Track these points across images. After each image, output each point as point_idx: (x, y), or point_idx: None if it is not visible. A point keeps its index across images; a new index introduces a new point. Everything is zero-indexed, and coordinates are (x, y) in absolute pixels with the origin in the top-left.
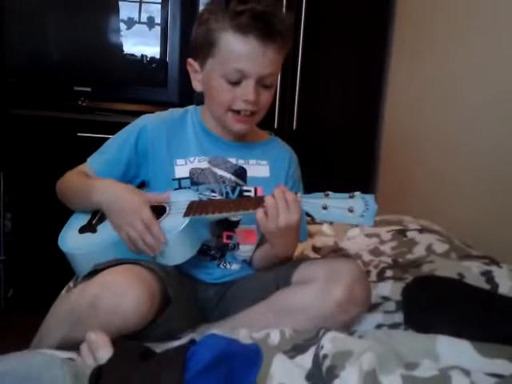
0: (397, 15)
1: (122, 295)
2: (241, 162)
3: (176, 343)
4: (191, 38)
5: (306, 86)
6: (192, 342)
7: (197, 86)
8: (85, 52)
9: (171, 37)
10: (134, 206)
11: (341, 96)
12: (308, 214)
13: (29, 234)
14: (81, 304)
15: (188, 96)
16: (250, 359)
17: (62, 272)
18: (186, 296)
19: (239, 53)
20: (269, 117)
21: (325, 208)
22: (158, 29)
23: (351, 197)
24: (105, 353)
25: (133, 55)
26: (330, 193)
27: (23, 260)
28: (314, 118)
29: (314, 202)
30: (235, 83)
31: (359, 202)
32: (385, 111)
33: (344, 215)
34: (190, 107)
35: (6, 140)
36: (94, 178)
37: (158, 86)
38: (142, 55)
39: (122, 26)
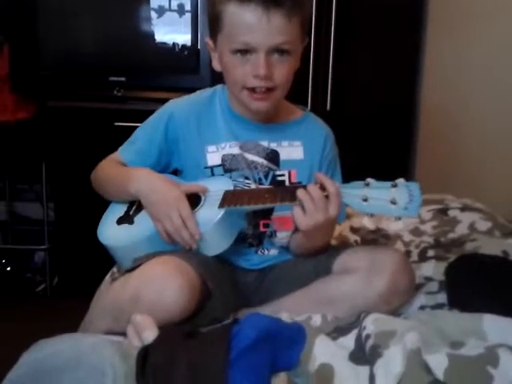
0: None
1: (163, 288)
2: (273, 145)
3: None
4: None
5: (340, 64)
6: (235, 321)
7: (216, 65)
8: (117, 42)
9: (202, 23)
10: (172, 199)
11: (376, 75)
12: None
13: (71, 223)
14: (123, 297)
15: (221, 81)
16: (293, 338)
17: (104, 258)
18: (225, 284)
19: (242, 24)
20: (301, 97)
21: (365, 200)
22: (188, 16)
23: (394, 186)
24: (150, 334)
25: (164, 43)
26: (370, 181)
27: (67, 248)
28: (348, 98)
29: (353, 194)
30: (245, 58)
31: (403, 192)
32: (422, 89)
33: (386, 207)
34: (218, 87)
35: (45, 132)
36: (130, 168)
37: (191, 73)
38: (174, 43)
39: (153, 15)
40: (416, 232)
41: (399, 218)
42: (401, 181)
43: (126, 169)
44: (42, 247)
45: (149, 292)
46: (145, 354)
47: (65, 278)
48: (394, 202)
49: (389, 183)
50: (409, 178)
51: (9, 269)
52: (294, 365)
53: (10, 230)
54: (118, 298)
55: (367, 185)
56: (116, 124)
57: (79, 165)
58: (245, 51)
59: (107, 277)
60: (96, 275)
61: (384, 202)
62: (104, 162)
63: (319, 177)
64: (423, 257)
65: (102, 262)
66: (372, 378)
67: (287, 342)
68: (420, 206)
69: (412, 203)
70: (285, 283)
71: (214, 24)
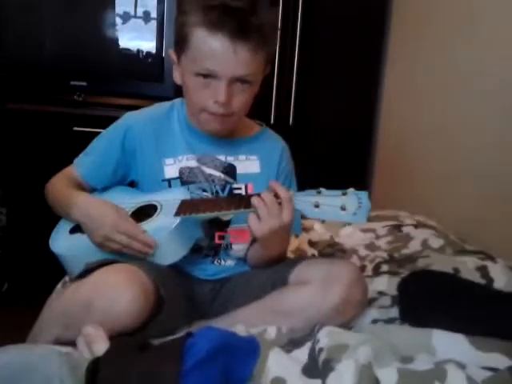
0: (393, 12)
1: (116, 296)
2: (230, 159)
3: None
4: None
5: (303, 80)
6: (189, 334)
7: (176, 78)
8: (81, 46)
9: (167, 31)
10: (109, 223)
11: (337, 91)
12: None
13: (23, 229)
14: (74, 305)
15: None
16: (247, 351)
17: (56, 266)
18: (180, 294)
19: (209, 51)
20: (265, 111)
21: (317, 206)
22: (153, 23)
23: (344, 194)
24: (101, 346)
25: (129, 50)
26: (322, 190)
27: (17, 254)
28: (310, 114)
29: (305, 200)
30: (207, 83)
31: (352, 200)
32: (381, 106)
33: (336, 213)
34: (177, 101)
35: (1, 135)
36: (73, 193)
37: (154, 81)
38: (138, 50)
39: (118, 21)
40: (371, 247)
41: (349, 224)
42: (351, 189)
43: (68, 193)
44: None
45: (101, 300)
46: (95, 366)
47: (15, 285)
48: (343, 208)
49: (339, 191)
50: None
51: None
52: (247, 378)
53: None
54: (69, 304)
55: (319, 193)
56: (75, 129)
57: (34, 169)
58: (207, 75)
59: (59, 285)
60: (47, 283)
61: (334, 209)
62: (56, 178)
63: (273, 185)
64: (377, 271)
65: (54, 269)
66: None
67: (241, 356)
68: (368, 212)
69: (360, 209)
70: (241, 294)
71: (180, 43)
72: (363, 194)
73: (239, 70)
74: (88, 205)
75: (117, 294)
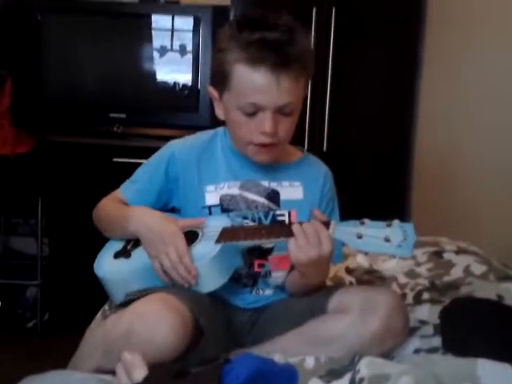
0: (427, 26)
1: (155, 327)
2: (273, 185)
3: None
4: (211, 66)
5: (337, 106)
6: (227, 360)
7: (219, 114)
8: (119, 79)
9: (202, 63)
10: (168, 235)
11: (372, 116)
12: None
13: (65, 259)
14: (114, 335)
15: (220, 121)
16: (285, 379)
17: (97, 296)
18: (219, 323)
19: (252, 86)
20: (298, 138)
21: (360, 237)
22: (189, 56)
23: (388, 225)
24: (140, 373)
25: (165, 82)
26: (365, 220)
27: (59, 284)
28: (344, 139)
29: (348, 231)
30: (252, 115)
31: (397, 231)
32: (418, 130)
33: (380, 245)
34: (220, 129)
35: (43, 166)
36: (129, 206)
37: (191, 112)
38: (175, 82)
39: (155, 54)
40: (411, 274)
41: (393, 257)
42: (395, 221)
43: (124, 208)
44: (35, 283)
45: (141, 329)
46: None
47: (56, 315)
48: (388, 240)
49: (383, 223)
50: (404, 219)
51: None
52: None
53: (3, 265)
54: (110, 334)
55: (362, 223)
56: (114, 160)
57: (76, 200)
58: (252, 109)
59: (98, 314)
60: (88, 312)
61: (378, 240)
62: (105, 200)
63: (315, 213)
64: (418, 299)
65: (95, 299)
66: None
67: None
68: (413, 245)
69: (406, 242)
70: (279, 322)
71: (221, 80)
72: (408, 226)
73: (283, 100)
74: (148, 216)
75: (157, 324)
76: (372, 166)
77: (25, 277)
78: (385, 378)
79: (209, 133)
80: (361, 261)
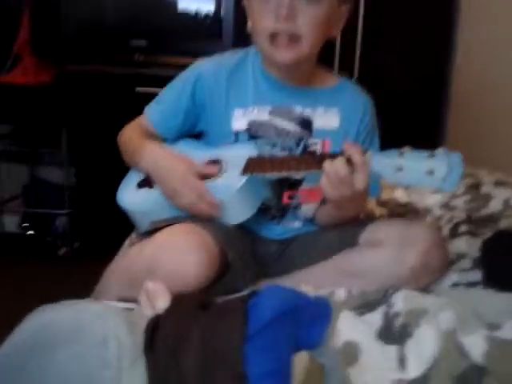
0: None
1: (180, 258)
2: (307, 111)
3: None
4: None
5: (369, 31)
6: (253, 292)
7: (249, 25)
8: (139, 6)
9: None
10: (179, 174)
11: (407, 41)
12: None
13: (92, 188)
14: (138, 265)
15: (243, 46)
16: (318, 313)
17: (126, 222)
18: (245, 255)
19: None
20: (327, 63)
21: (400, 169)
22: None
23: (432, 156)
24: (163, 302)
25: (188, 9)
26: (405, 151)
27: (88, 213)
28: (376, 66)
29: (386, 163)
30: (269, 3)
31: (441, 163)
32: (456, 59)
33: (422, 178)
34: (252, 48)
35: (66, 96)
36: (144, 142)
37: (214, 39)
38: (197, 8)
39: None
40: (447, 207)
41: (436, 191)
42: (440, 151)
43: (139, 143)
44: (63, 212)
45: (166, 262)
46: (155, 324)
47: (86, 243)
48: (431, 173)
49: (426, 153)
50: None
51: (30, 233)
52: (317, 344)
53: (31, 194)
54: (133, 264)
55: (402, 154)
56: (137, 89)
57: (99, 130)
58: None
59: (126, 242)
60: (118, 240)
61: (420, 173)
62: (127, 128)
63: (347, 148)
64: (455, 232)
65: (124, 226)
66: (402, 359)
67: (311, 318)
68: (461, 178)
69: (451, 175)
70: (307, 254)
71: None
72: (455, 157)
73: None
74: (158, 156)
75: (182, 256)
76: (406, 95)
77: (53, 206)
78: (422, 313)
79: (239, 52)
80: (400, 195)
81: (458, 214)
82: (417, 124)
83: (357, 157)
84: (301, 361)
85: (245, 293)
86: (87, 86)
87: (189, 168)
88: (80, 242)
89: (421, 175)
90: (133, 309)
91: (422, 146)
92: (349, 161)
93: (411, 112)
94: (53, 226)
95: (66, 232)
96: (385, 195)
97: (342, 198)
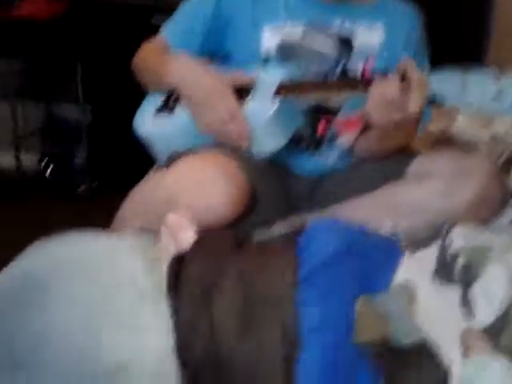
0: None
1: (206, 191)
2: (346, 26)
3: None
4: None
5: None
6: (298, 231)
7: None
8: None
9: None
10: (214, 91)
11: None
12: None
13: (109, 124)
14: (157, 197)
15: None
16: (385, 254)
17: (145, 159)
18: (276, 190)
19: None
20: None
21: (464, 87)
22: None
23: (499, 78)
24: (189, 237)
25: None
26: (468, 68)
27: (105, 150)
28: None
29: (450, 79)
30: None
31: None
32: None
33: (487, 103)
34: None
35: (79, 29)
36: (168, 57)
37: None
38: None
39: None
40: (495, 140)
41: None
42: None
43: (163, 58)
44: (81, 149)
45: (188, 193)
46: (180, 262)
47: (105, 181)
48: (498, 95)
49: (492, 70)
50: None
51: (50, 171)
52: (384, 288)
53: (48, 132)
54: (153, 195)
55: (464, 72)
56: (153, 21)
57: (115, 64)
58: None
59: (151, 173)
60: (137, 177)
61: (483, 94)
62: (144, 48)
63: (403, 63)
64: (507, 168)
65: (143, 162)
66: (467, 302)
67: (379, 259)
68: None
69: None
70: (344, 191)
71: None
72: None
73: None
74: (191, 67)
75: (206, 188)
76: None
77: (70, 144)
78: (486, 251)
79: None
80: (461, 123)
81: (510, 147)
82: (460, 29)
83: (413, 73)
84: (363, 308)
85: (283, 231)
86: (100, 17)
87: (226, 84)
88: (99, 180)
89: (484, 97)
90: (153, 244)
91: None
92: (402, 79)
93: (454, 17)
94: (71, 164)
95: (84, 170)
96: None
97: (390, 124)
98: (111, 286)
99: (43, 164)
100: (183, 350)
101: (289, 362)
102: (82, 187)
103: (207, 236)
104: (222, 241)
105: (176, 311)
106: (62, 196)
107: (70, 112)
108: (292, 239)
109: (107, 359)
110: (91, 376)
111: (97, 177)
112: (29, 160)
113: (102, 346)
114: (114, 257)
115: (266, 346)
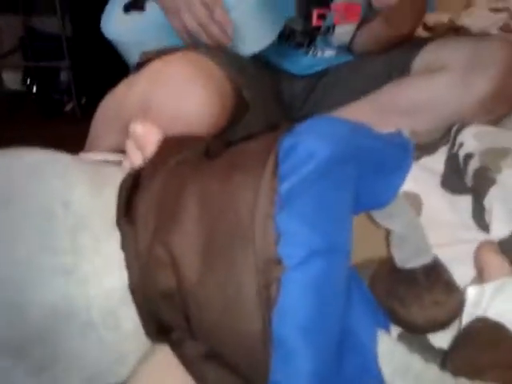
0: None
1: (183, 92)
2: None
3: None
4: None
5: None
6: (285, 130)
7: None
8: None
9: None
10: None
11: None
12: None
13: (91, 36)
14: (128, 105)
15: None
16: (393, 158)
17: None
18: (266, 94)
19: None
20: None
21: None
22: None
23: None
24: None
25: None
26: None
27: (89, 63)
28: None
29: None
30: None
31: None
32: None
33: None
34: None
35: None
36: None
37: None
38: None
39: None
40: (506, 29)
41: None
42: None
43: None
44: (64, 63)
45: (160, 99)
46: (134, 182)
47: (93, 98)
48: None
49: None
50: None
51: (35, 90)
52: (389, 200)
53: (29, 47)
54: (123, 103)
55: None
56: None
57: None
58: None
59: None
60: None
61: None
62: None
63: None
64: None
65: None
66: (480, 213)
67: (388, 165)
68: None
69: None
70: (344, 90)
71: None
72: None
73: None
74: None
75: (183, 89)
76: None
77: (52, 59)
78: (503, 153)
79: None
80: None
81: None
82: None
83: None
84: (361, 225)
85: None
86: None
87: None
88: (87, 96)
89: None
90: (119, 161)
91: None
92: None
93: None
94: (56, 82)
95: (70, 86)
96: (430, 19)
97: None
98: (36, 216)
99: (28, 82)
100: (140, 286)
101: (267, 289)
102: (70, 104)
103: (170, 146)
104: (188, 152)
105: (127, 245)
106: (49, 115)
107: (50, 25)
108: (276, 141)
109: (39, 311)
110: (20, 337)
111: (84, 92)
112: (12, 79)
113: (29, 297)
114: (41, 179)
115: (238, 275)
